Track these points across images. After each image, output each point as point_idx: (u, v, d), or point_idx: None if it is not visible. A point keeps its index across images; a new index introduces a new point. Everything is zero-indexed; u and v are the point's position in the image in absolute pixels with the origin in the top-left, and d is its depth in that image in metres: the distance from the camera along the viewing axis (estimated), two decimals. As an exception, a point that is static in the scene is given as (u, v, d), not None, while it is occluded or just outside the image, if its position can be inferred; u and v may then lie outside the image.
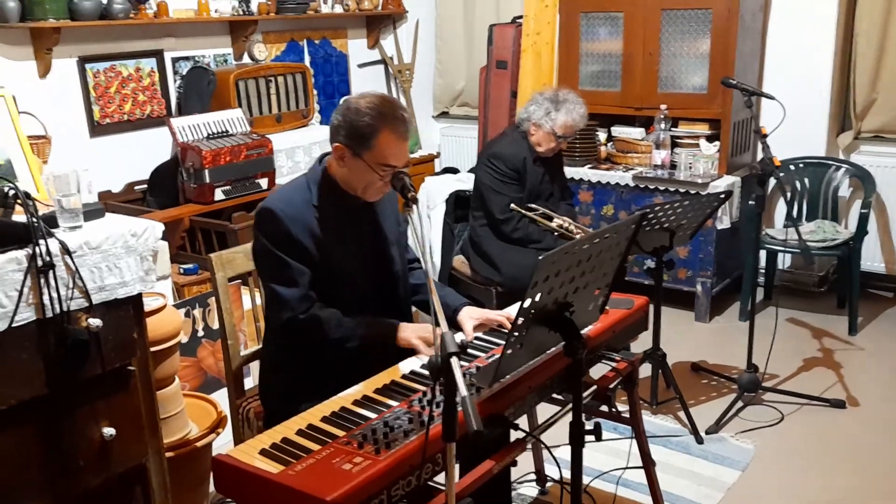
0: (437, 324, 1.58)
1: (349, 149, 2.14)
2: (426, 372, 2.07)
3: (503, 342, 2.21)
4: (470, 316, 2.34)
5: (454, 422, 1.56)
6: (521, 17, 5.11)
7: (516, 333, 1.82)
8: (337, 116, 2.16)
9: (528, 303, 1.76)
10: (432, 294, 1.70)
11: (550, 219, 3.52)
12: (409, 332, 2.21)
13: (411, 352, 2.20)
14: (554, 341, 2.01)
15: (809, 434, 3.29)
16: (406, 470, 1.67)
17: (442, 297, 2.41)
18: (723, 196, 3.27)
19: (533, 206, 3.54)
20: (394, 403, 1.91)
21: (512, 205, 3.49)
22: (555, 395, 2.30)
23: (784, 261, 4.77)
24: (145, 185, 4.31)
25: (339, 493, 1.54)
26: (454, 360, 1.52)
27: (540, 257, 1.72)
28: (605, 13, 4.59)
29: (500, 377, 1.91)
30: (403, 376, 2.07)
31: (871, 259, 4.58)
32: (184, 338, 2.98)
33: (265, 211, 2.17)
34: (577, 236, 3.50)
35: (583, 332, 1.98)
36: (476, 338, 2.28)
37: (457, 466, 1.71)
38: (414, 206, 1.95)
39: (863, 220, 4.18)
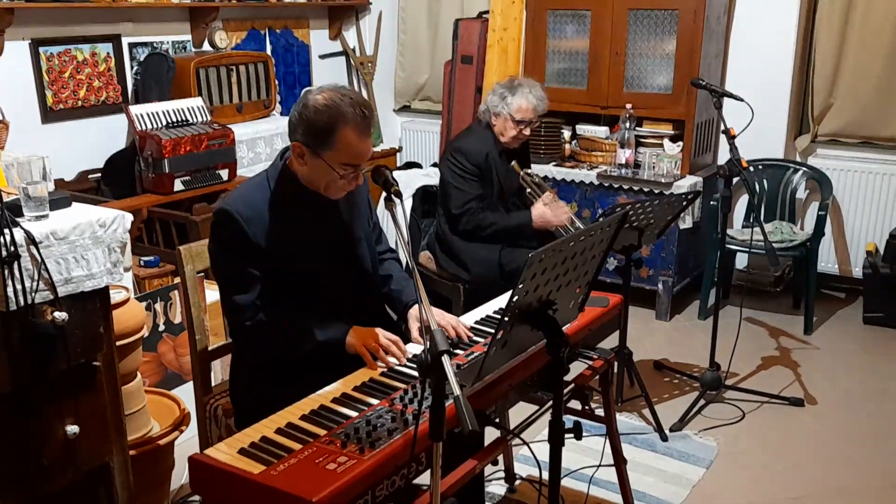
0: (428, 330, 1.54)
1: (308, 147, 2.06)
2: (405, 369, 2.05)
3: (482, 339, 2.20)
4: (415, 317, 2.27)
5: (442, 420, 1.53)
6: (487, 12, 5.09)
7: (501, 332, 1.79)
8: (294, 113, 2.07)
9: (514, 300, 1.74)
10: (419, 291, 1.67)
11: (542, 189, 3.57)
12: (357, 339, 2.11)
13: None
14: (535, 339, 2.00)
15: (770, 431, 3.34)
16: (391, 469, 1.64)
17: (398, 291, 2.38)
18: (691, 196, 3.30)
19: (530, 172, 3.61)
20: (374, 401, 1.87)
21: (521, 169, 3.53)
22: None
23: (741, 261, 4.85)
24: (99, 174, 4.18)
25: (325, 494, 1.50)
26: (445, 359, 1.50)
27: (530, 254, 1.70)
28: (573, 11, 4.59)
29: (483, 376, 1.89)
30: (382, 374, 2.03)
31: (826, 260, 4.69)
32: (145, 332, 2.89)
33: (221, 213, 2.09)
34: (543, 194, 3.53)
35: (562, 330, 1.96)
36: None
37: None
38: (398, 201, 1.91)
39: (820, 222, 4.27)
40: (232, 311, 2.13)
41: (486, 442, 2.11)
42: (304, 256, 2.15)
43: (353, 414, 1.81)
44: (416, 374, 2.00)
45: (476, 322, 2.36)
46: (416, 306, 2.30)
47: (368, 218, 2.37)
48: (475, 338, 2.24)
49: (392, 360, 2.09)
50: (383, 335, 2.12)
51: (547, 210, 3.49)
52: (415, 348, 2.18)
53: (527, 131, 3.51)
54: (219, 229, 2.11)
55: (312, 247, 2.17)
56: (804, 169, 4.58)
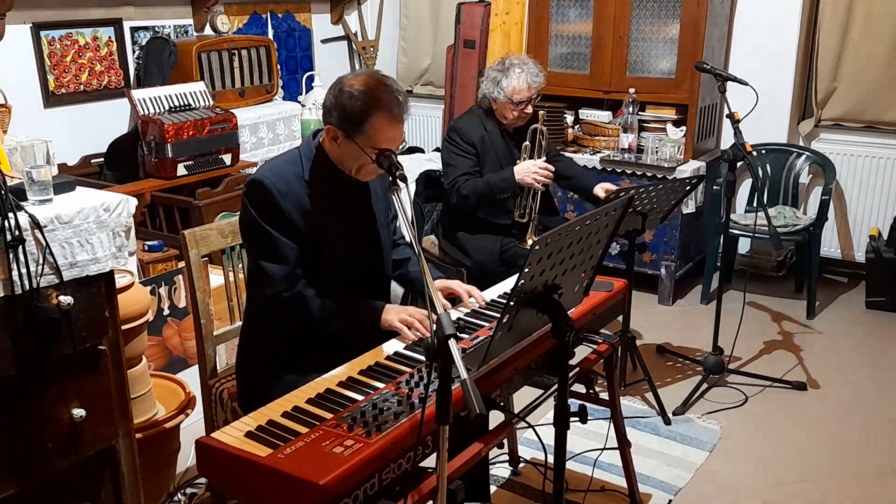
0: (433, 309, 1.55)
1: (342, 131, 2.09)
2: (411, 353, 2.05)
3: (487, 323, 2.21)
4: (436, 288, 2.30)
5: (448, 404, 1.54)
6: (489, -5, 5.07)
7: (507, 316, 1.79)
8: (330, 98, 2.10)
9: (520, 285, 1.74)
10: (426, 276, 1.67)
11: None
12: (393, 315, 2.17)
13: (393, 332, 2.17)
14: (540, 324, 2.00)
15: (773, 415, 3.35)
16: (398, 453, 1.64)
17: (417, 272, 2.41)
18: (695, 181, 3.29)
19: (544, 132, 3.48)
20: (380, 385, 1.87)
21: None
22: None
23: (743, 246, 4.84)
24: (102, 159, 4.17)
25: (332, 477, 1.50)
26: (452, 342, 1.50)
27: (536, 238, 1.70)
28: (576, -5, 4.57)
29: (489, 360, 1.89)
30: (388, 358, 2.03)
31: (828, 245, 4.69)
32: (149, 316, 2.89)
33: (255, 183, 2.11)
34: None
35: (567, 314, 1.96)
36: (460, 319, 2.25)
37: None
38: (402, 185, 1.91)
39: (823, 207, 4.26)
40: (266, 282, 2.12)
41: (492, 425, 2.12)
42: (328, 234, 2.17)
43: (360, 398, 1.82)
44: (421, 358, 2.01)
45: (481, 306, 2.36)
46: (438, 283, 2.33)
47: (388, 206, 2.38)
48: (480, 321, 2.24)
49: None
50: (417, 311, 2.16)
51: (529, 163, 3.37)
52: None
53: (528, 109, 3.44)
54: (254, 199, 2.12)
55: (336, 226, 2.19)
56: (807, 153, 4.57)
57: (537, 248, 1.70)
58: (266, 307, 2.16)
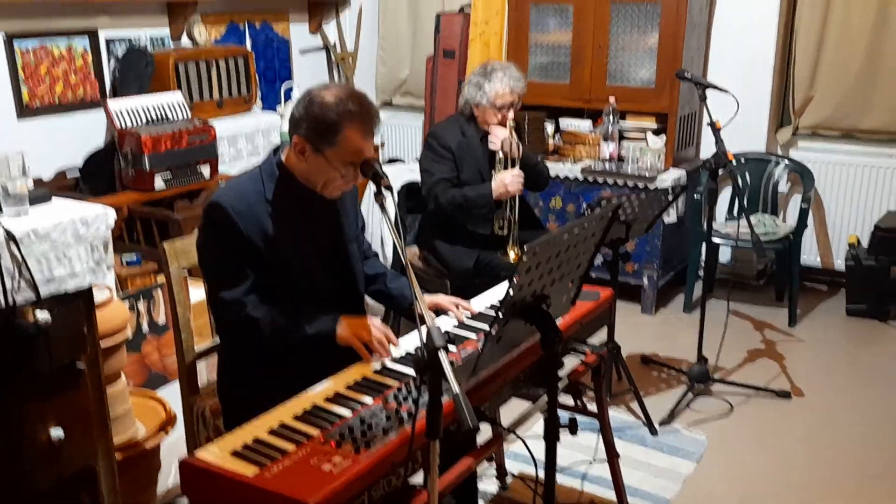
0: (421, 323, 1.52)
1: (310, 143, 2.03)
2: (398, 367, 2.02)
3: (475, 335, 2.18)
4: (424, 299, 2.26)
5: (439, 418, 1.51)
6: (468, 5, 5.06)
7: (496, 328, 1.77)
8: (299, 108, 2.04)
9: (510, 295, 1.72)
10: (413, 286, 1.64)
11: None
12: (349, 332, 2.07)
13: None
14: (528, 334, 1.98)
15: (759, 424, 3.35)
16: (388, 469, 1.60)
17: (398, 288, 2.37)
18: (678, 190, 3.29)
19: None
20: (368, 400, 1.84)
21: None
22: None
23: (723, 255, 4.86)
24: (78, 173, 4.09)
25: (321, 496, 1.47)
26: (442, 355, 1.47)
27: (517, 250, 1.68)
28: (555, 4, 4.58)
29: (478, 372, 1.86)
30: (375, 371, 2.00)
31: (808, 253, 4.72)
32: (128, 333, 2.83)
33: (213, 206, 2.05)
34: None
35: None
36: (447, 332, 2.22)
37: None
38: (388, 194, 1.88)
39: (803, 215, 4.29)
40: (220, 307, 2.09)
41: (480, 439, 2.09)
42: (295, 254, 2.12)
43: (347, 413, 1.78)
44: (408, 371, 1.98)
45: (467, 318, 2.33)
46: (423, 299, 2.28)
47: (356, 219, 2.34)
48: (466, 333, 2.21)
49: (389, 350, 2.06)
50: (375, 327, 2.09)
51: (507, 175, 3.30)
52: (405, 340, 2.16)
53: (510, 114, 3.41)
54: (209, 223, 2.07)
55: (304, 245, 2.14)
56: (786, 162, 4.60)
57: (526, 258, 1.68)
58: (220, 333, 2.12)
